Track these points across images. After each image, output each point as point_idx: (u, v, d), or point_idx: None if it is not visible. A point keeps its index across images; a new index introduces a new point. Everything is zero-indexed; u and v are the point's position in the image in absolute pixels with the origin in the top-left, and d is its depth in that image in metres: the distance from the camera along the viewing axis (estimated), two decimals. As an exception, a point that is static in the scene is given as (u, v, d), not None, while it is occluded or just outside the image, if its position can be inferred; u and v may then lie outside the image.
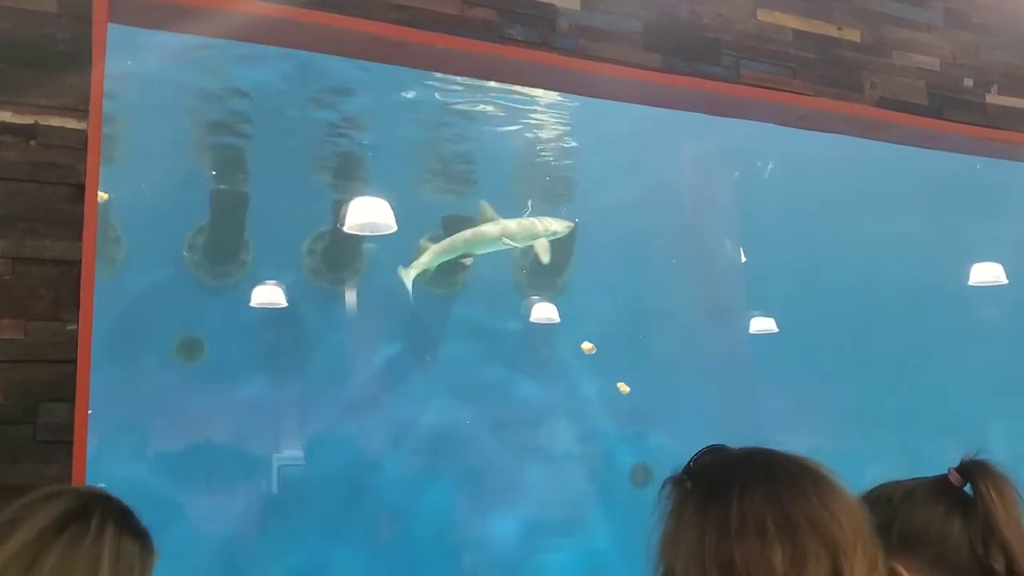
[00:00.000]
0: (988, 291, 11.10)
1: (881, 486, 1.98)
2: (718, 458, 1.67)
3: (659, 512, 1.63)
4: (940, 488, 1.88)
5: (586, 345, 10.30)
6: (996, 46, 4.48)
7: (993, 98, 4.37)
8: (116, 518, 1.80)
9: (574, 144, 9.38)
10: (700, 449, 1.70)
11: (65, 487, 1.86)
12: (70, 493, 1.81)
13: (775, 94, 3.92)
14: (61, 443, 2.69)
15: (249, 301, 9.58)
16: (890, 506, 1.88)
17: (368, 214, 8.07)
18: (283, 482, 9.77)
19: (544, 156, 9.64)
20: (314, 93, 7.95)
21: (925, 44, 4.30)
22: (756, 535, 1.49)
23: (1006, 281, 10.80)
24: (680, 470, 1.67)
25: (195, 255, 9.58)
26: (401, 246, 9.89)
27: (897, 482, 1.97)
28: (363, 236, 9.33)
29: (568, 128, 8.99)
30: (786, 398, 11.14)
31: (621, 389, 10.34)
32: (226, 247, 9.57)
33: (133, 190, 8.32)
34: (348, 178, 9.38)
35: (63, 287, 2.74)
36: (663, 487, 1.65)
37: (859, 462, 11.40)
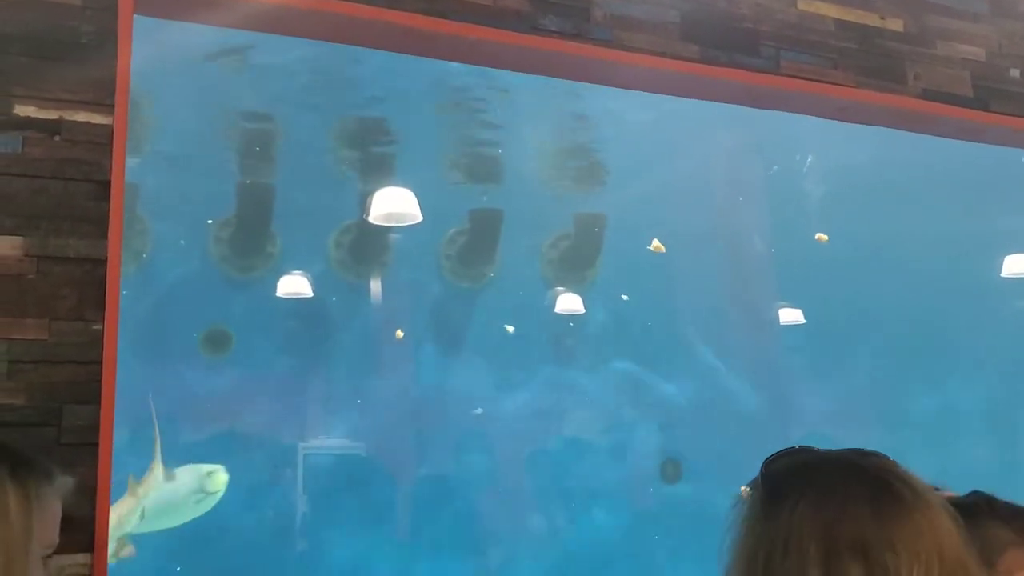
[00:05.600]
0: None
1: (982, 500, 1.87)
2: (785, 464, 1.53)
3: (733, 517, 1.53)
4: None
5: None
6: (1044, 35, 4.33)
7: (1041, 89, 4.23)
8: (12, 462, 1.77)
9: (604, 135, 9.27)
10: (777, 452, 1.57)
11: None
12: None
13: (815, 85, 3.80)
14: (86, 445, 2.63)
15: (275, 295, 9.55)
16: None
17: (393, 204, 8.04)
18: (310, 475, 9.76)
19: (573, 148, 9.53)
20: (341, 85, 7.89)
21: (970, 33, 4.17)
22: (798, 557, 1.35)
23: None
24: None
25: (221, 248, 9.54)
26: (428, 239, 9.84)
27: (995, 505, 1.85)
28: (390, 229, 9.27)
29: (598, 119, 8.87)
30: (817, 392, 11.02)
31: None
32: (252, 240, 9.54)
33: (160, 182, 8.29)
34: (375, 171, 9.32)
35: (88, 286, 2.68)
36: (741, 494, 1.55)
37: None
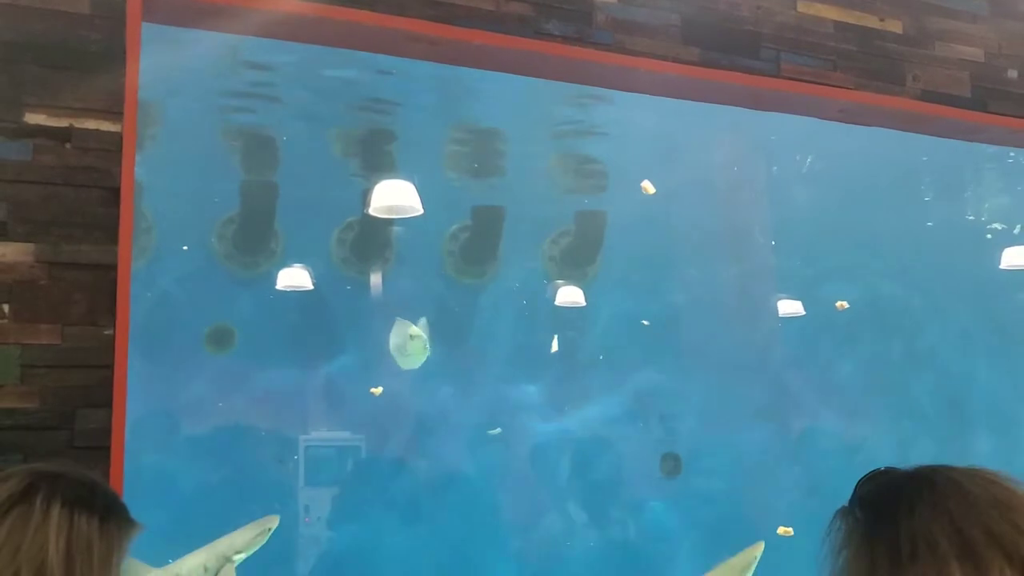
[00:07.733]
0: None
1: None
2: (881, 481, 1.55)
3: (829, 546, 1.54)
4: None
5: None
6: (1042, 35, 4.37)
7: (1038, 89, 4.27)
8: (65, 496, 1.74)
9: (607, 134, 9.29)
10: (864, 475, 1.59)
11: (16, 469, 1.80)
12: (17, 475, 1.76)
13: (815, 88, 3.84)
14: (99, 449, 2.68)
15: (278, 290, 9.58)
16: None
17: (393, 196, 8.05)
18: (313, 475, 9.79)
19: (576, 146, 9.56)
20: (344, 82, 7.91)
21: (969, 34, 4.21)
22: (929, 555, 1.36)
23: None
24: (847, 501, 1.57)
25: (225, 245, 9.58)
26: (431, 235, 9.87)
27: None
28: (393, 225, 9.29)
29: (601, 118, 8.89)
30: (817, 387, 11.05)
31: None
32: (256, 237, 9.57)
33: (164, 180, 8.31)
34: (378, 167, 9.34)
35: (99, 292, 2.72)
36: (832, 520, 1.56)
37: (891, 451, 11.37)
